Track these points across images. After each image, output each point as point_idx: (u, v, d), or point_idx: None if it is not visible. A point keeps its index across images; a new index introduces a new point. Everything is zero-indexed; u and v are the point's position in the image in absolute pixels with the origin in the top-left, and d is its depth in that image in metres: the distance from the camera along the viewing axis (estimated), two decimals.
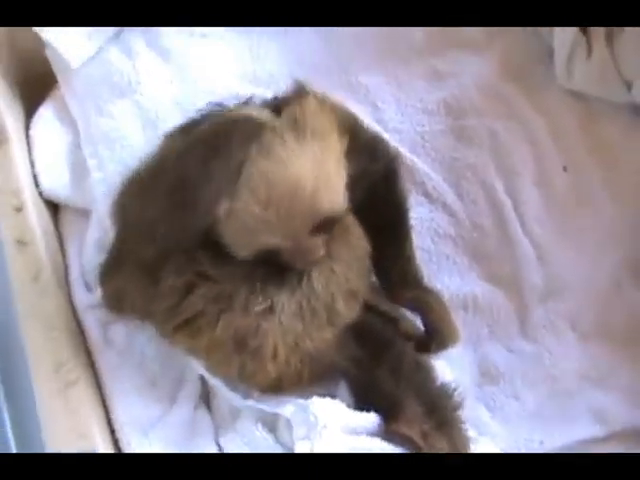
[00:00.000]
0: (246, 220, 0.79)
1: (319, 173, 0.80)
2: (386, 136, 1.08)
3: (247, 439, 0.94)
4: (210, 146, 0.80)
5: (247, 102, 0.94)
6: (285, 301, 0.85)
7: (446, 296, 1.02)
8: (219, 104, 0.94)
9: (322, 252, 0.84)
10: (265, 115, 0.84)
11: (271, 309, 0.85)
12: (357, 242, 0.92)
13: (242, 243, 0.82)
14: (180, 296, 0.85)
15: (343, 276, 0.89)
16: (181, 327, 0.87)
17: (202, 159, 0.79)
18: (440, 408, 0.90)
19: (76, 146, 1.06)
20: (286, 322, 0.85)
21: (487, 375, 1.04)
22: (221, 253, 0.83)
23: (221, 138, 0.80)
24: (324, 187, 0.81)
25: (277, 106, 0.87)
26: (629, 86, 1.10)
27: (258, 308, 0.84)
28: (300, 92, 0.87)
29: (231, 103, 0.94)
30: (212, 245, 0.83)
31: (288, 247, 0.81)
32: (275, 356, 0.87)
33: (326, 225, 0.83)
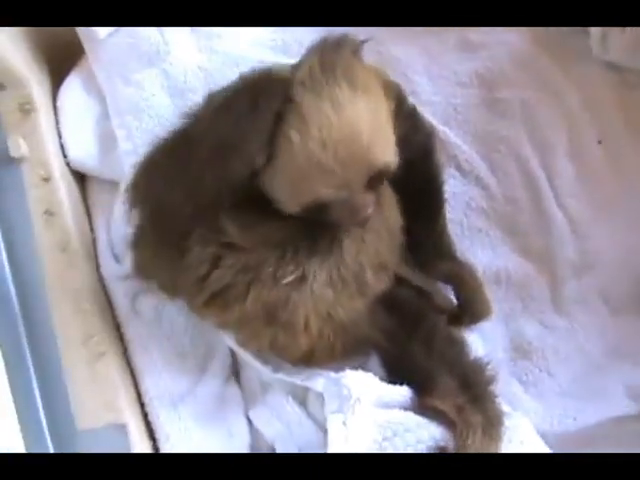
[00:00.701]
0: (302, 163, 0.76)
1: (374, 122, 0.78)
2: (419, 108, 1.06)
3: (277, 412, 0.94)
4: (249, 97, 0.78)
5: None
6: (317, 269, 0.83)
7: (479, 270, 1.01)
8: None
9: (371, 211, 0.81)
10: (285, 72, 0.81)
11: (302, 278, 0.83)
12: (390, 214, 0.90)
13: (294, 192, 0.79)
14: (207, 269, 0.83)
15: (373, 247, 0.88)
16: (210, 301, 0.85)
17: (250, 105, 0.77)
18: (474, 382, 0.88)
19: (104, 116, 1.05)
20: (318, 291, 0.84)
21: (520, 350, 1.03)
22: (251, 218, 0.82)
23: (259, 89, 0.78)
24: (380, 137, 0.79)
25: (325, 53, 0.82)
26: None
27: (289, 278, 0.83)
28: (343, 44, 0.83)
29: None
30: (246, 206, 0.81)
31: (341, 200, 0.78)
32: (307, 328, 0.85)
33: (379, 179, 0.81)
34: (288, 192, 0.79)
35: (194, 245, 0.83)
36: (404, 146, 0.86)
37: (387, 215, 0.90)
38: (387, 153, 0.80)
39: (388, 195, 0.90)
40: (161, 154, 0.86)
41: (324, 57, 0.79)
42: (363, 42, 0.84)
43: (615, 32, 1.08)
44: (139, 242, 0.91)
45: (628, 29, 1.08)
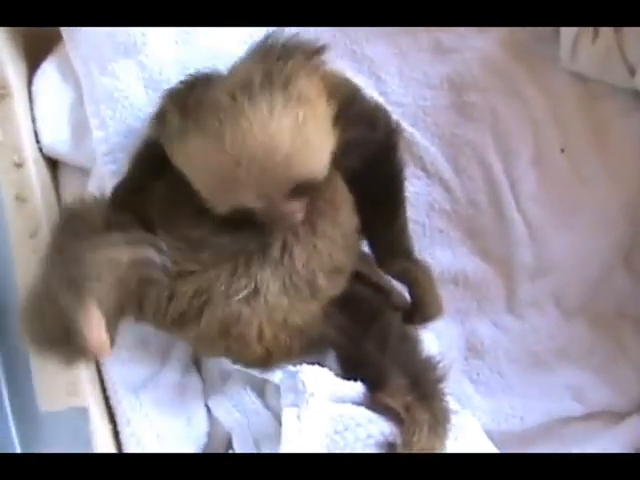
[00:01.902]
0: (221, 175, 0.78)
1: (297, 136, 0.78)
2: (388, 108, 1.08)
3: (235, 402, 0.97)
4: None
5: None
6: (269, 279, 0.85)
7: (438, 270, 1.04)
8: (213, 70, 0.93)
9: (299, 217, 0.83)
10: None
11: (256, 290, 0.85)
12: (345, 218, 0.92)
13: (219, 198, 0.81)
14: (165, 305, 0.85)
15: (326, 253, 0.89)
16: (170, 326, 0.87)
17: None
18: (424, 380, 0.91)
19: (78, 103, 1.06)
20: (272, 300, 0.86)
21: (473, 349, 1.07)
22: (197, 235, 0.84)
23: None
24: (301, 151, 0.79)
25: (272, 62, 0.83)
26: (632, 72, 1.09)
27: (243, 293, 0.85)
28: (294, 52, 0.84)
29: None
30: (189, 223, 0.84)
31: (262, 209, 0.80)
32: (261, 337, 0.87)
33: (303, 190, 0.82)
34: (212, 196, 0.82)
35: (147, 291, 0.85)
36: (361, 145, 0.89)
37: (341, 219, 0.91)
38: (310, 164, 0.81)
39: (342, 197, 0.92)
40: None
41: (266, 66, 0.80)
42: (318, 51, 0.85)
43: (584, 43, 1.10)
44: None
45: (598, 40, 1.10)
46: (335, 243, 0.90)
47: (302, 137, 0.79)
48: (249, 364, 0.92)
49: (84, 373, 0.94)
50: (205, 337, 0.87)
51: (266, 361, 0.91)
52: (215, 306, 0.84)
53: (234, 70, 0.85)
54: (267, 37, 0.85)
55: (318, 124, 0.82)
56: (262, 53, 0.85)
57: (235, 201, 0.80)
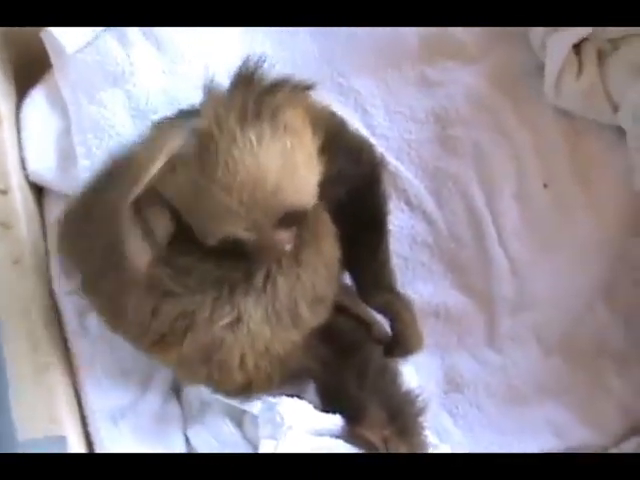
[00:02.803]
0: (211, 205, 0.79)
1: (286, 166, 0.80)
2: (373, 141, 1.09)
3: (214, 432, 0.97)
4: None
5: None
6: (252, 307, 0.86)
7: (419, 303, 1.04)
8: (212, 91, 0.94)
9: (288, 247, 0.84)
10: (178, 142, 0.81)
11: (238, 318, 0.86)
12: (328, 248, 0.92)
13: (207, 229, 0.82)
14: (147, 322, 0.85)
15: (310, 283, 0.89)
16: (151, 347, 0.88)
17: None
18: (403, 414, 0.92)
19: (66, 131, 1.07)
20: (254, 329, 0.86)
21: (453, 383, 1.07)
22: (185, 261, 0.84)
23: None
24: (289, 180, 0.80)
25: (260, 93, 0.84)
26: (615, 109, 1.11)
27: (226, 320, 0.85)
28: (282, 85, 0.85)
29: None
30: (178, 249, 0.84)
31: (251, 239, 0.81)
32: (242, 364, 0.88)
33: (292, 219, 0.83)
34: (201, 227, 0.82)
35: (131, 301, 0.85)
36: (345, 178, 0.90)
37: (324, 250, 0.92)
38: (299, 193, 0.82)
39: (326, 228, 0.92)
40: (80, 212, 0.91)
41: (254, 97, 0.81)
42: (306, 87, 0.86)
43: (568, 79, 1.12)
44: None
45: (582, 77, 1.12)
46: (318, 273, 0.90)
47: (291, 166, 0.80)
48: (229, 393, 0.92)
49: (63, 401, 0.95)
50: (187, 362, 0.87)
51: (246, 390, 0.91)
52: (198, 330, 0.85)
53: (218, 100, 0.86)
54: (247, 68, 0.86)
55: (305, 154, 0.83)
56: (246, 84, 0.85)
57: (225, 232, 0.80)
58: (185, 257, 0.84)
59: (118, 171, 0.86)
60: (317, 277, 0.90)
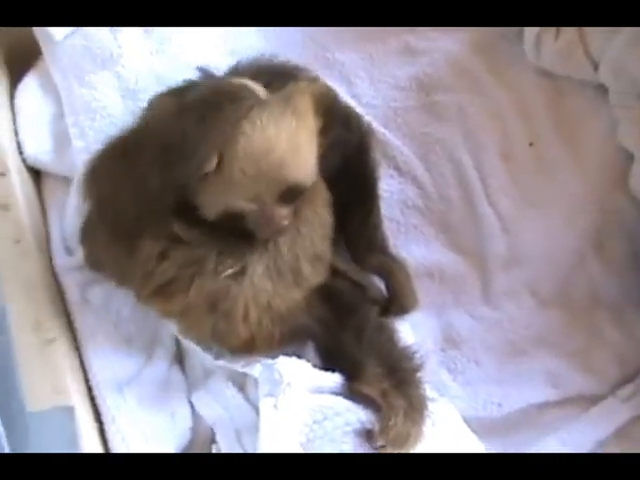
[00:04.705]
0: (214, 179, 0.83)
1: (291, 144, 0.85)
2: (360, 110, 1.11)
3: (217, 397, 0.99)
4: (210, 105, 0.84)
5: (238, 70, 0.98)
6: (255, 262, 0.89)
7: (413, 265, 1.06)
8: (208, 74, 0.98)
9: (286, 222, 0.88)
10: (258, 87, 0.89)
11: (242, 271, 0.89)
12: (323, 209, 0.96)
13: (210, 203, 0.86)
14: (155, 263, 0.89)
15: (309, 239, 0.93)
16: (155, 292, 0.91)
17: (202, 116, 0.83)
18: (400, 369, 0.93)
19: (59, 115, 1.10)
20: (258, 283, 0.90)
21: (450, 340, 1.09)
22: (194, 216, 0.87)
23: (221, 99, 0.85)
24: (292, 157, 0.86)
25: (269, 78, 0.92)
26: (595, 66, 1.13)
27: (229, 271, 0.89)
28: (294, 73, 0.93)
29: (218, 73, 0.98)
30: (185, 207, 0.87)
31: (252, 212, 0.85)
32: (246, 317, 0.91)
33: (292, 195, 0.88)
34: (205, 201, 0.86)
35: (143, 241, 0.89)
36: (337, 146, 0.93)
37: (320, 211, 0.95)
38: (301, 171, 0.87)
39: (321, 195, 0.96)
40: (110, 154, 0.92)
41: (275, 84, 0.88)
42: (314, 78, 0.95)
43: (548, 39, 1.14)
44: (89, 235, 0.96)
45: (560, 36, 1.13)
46: (315, 230, 0.94)
47: (294, 144, 0.86)
48: (232, 350, 0.95)
49: (69, 373, 0.97)
50: (192, 312, 0.91)
51: (249, 347, 0.94)
52: (205, 278, 0.88)
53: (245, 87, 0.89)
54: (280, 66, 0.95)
55: (308, 135, 0.88)
56: (255, 70, 0.93)
57: (228, 204, 0.85)
58: (193, 213, 0.88)
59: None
60: (315, 233, 0.94)
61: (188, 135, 0.83)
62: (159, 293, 0.91)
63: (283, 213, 0.87)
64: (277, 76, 0.93)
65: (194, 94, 0.90)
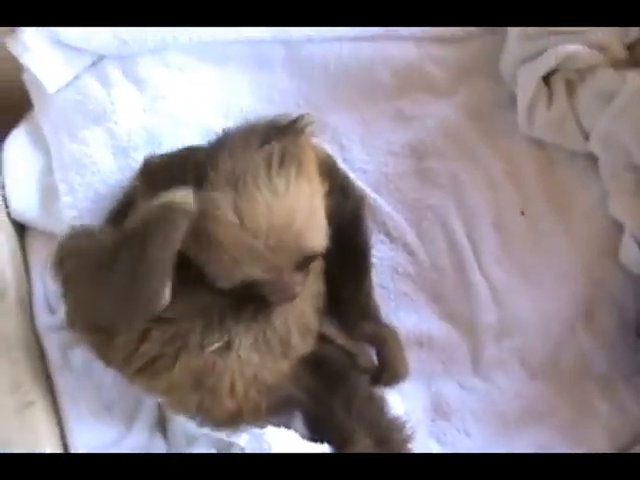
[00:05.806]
0: (233, 247, 0.80)
1: (308, 208, 0.83)
2: (352, 175, 1.11)
3: None
4: (138, 244, 0.79)
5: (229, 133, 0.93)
6: (242, 334, 0.87)
7: (402, 332, 1.04)
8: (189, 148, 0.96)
9: (300, 289, 0.85)
10: (189, 198, 0.80)
11: (228, 344, 0.87)
12: (315, 279, 0.95)
13: (225, 272, 0.82)
14: (136, 345, 0.86)
15: (300, 310, 0.92)
16: (139, 371, 0.88)
17: (133, 258, 0.79)
18: (390, 441, 0.93)
19: (48, 170, 1.08)
20: (244, 356, 0.87)
21: (439, 410, 1.07)
22: (176, 288, 0.82)
23: (146, 234, 0.79)
24: (312, 224, 0.83)
25: (269, 133, 0.87)
26: (586, 136, 1.14)
27: (215, 346, 0.86)
28: (296, 127, 0.88)
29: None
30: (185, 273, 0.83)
31: (269, 280, 0.82)
32: (233, 391, 0.89)
33: (307, 262, 0.85)
34: (218, 270, 0.82)
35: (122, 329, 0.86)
36: (335, 214, 0.91)
37: (312, 282, 0.94)
38: (317, 238, 0.85)
39: (314, 264, 0.93)
40: (85, 250, 0.88)
41: (285, 145, 0.83)
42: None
43: (540, 109, 1.15)
44: (70, 299, 0.92)
45: (553, 106, 1.15)
46: (305, 300, 0.93)
47: (311, 210, 0.83)
48: (218, 423, 0.92)
49: (47, 437, 0.94)
50: (177, 389, 0.88)
51: (235, 419, 0.91)
52: (189, 353, 0.86)
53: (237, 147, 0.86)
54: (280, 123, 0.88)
55: (319, 198, 0.86)
56: (279, 135, 0.86)
57: (245, 274, 0.81)
58: (175, 285, 0.82)
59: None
60: (305, 304, 0.93)
61: (132, 273, 0.79)
62: (143, 372, 0.88)
63: (298, 279, 0.84)
64: (274, 132, 0.87)
65: (123, 228, 0.85)
